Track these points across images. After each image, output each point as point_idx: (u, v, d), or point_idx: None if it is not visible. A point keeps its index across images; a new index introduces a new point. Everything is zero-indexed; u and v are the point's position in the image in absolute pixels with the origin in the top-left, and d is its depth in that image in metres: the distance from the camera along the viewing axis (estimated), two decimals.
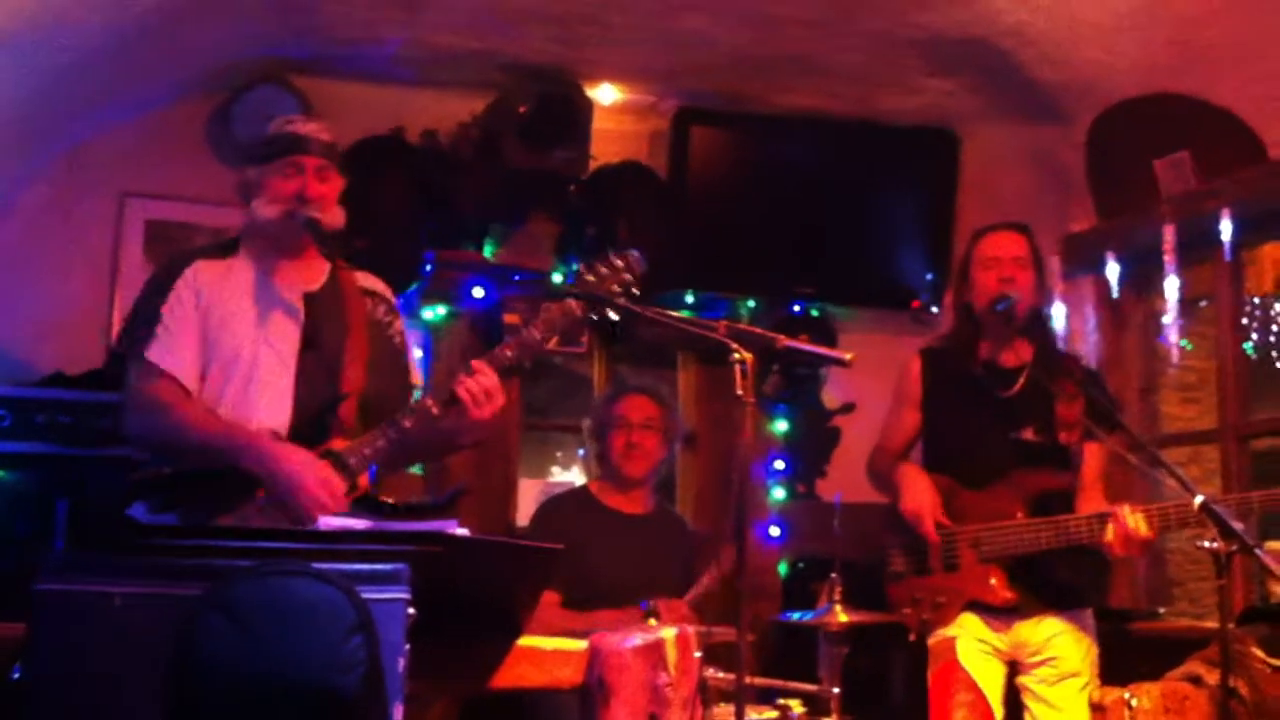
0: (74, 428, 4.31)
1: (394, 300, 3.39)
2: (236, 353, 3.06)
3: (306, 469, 2.89)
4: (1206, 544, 3.10)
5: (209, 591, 2.08)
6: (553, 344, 5.25)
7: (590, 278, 3.06)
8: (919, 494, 3.85)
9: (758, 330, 2.83)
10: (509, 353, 3.03)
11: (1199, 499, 3.07)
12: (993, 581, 3.74)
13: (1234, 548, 3.02)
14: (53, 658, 2.19)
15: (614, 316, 3.04)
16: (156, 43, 4.44)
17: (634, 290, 3.07)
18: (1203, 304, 4.93)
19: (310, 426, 3.01)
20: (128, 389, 3.10)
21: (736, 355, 2.69)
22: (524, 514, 5.22)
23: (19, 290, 4.84)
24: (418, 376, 3.43)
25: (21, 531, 4.12)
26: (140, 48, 4.39)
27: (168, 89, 4.94)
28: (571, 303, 3.04)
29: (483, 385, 2.96)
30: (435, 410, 2.98)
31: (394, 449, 3.01)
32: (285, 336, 3.10)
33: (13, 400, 4.30)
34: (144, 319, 3.10)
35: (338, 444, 2.98)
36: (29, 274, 4.88)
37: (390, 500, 3.06)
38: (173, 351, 3.05)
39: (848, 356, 2.95)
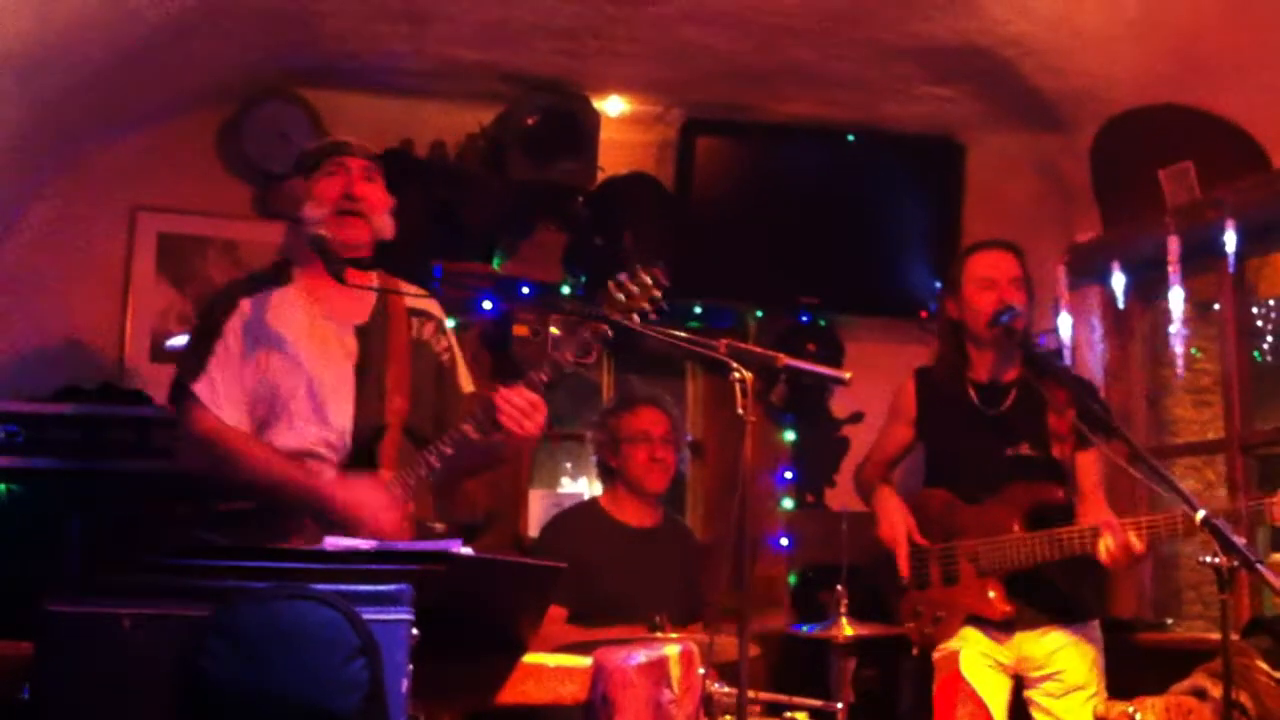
0: (86, 442, 4.30)
1: (443, 317, 3.45)
2: (294, 390, 3.11)
3: (365, 500, 2.98)
4: (1209, 559, 3.11)
5: (212, 615, 2.10)
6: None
7: (620, 295, 3.11)
8: (893, 521, 3.91)
9: (757, 349, 2.85)
10: (544, 376, 3.11)
11: (1200, 514, 3.05)
12: (991, 595, 3.76)
13: (1235, 563, 3.03)
14: (61, 679, 2.21)
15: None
16: (162, 59, 4.45)
17: (662, 305, 3.13)
18: (1216, 306, 4.93)
19: (361, 458, 3.09)
20: (180, 424, 3.16)
21: (736, 374, 2.72)
22: (534, 525, 5.23)
23: (31, 305, 4.87)
24: (470, 386, 3.49)
25: (34, 547, 4.11)
26: (145, 64, 4.41)
27: (175, 103, 4.96)
28: (604, 326, 3.09)
29: (525, 401, 3.05)
30: (475, 436, 3.08)
31: (438, 473, 3.09)
32: (340, 372, 3.16)
33: (25, 415, 4.29)
34: (195, 353, 3.15)
35: (385, 475, 3.06)
36: (40, 288, 4.90)
37: (438, 525, 3.15)
38: (221, 389, 3.10)
39: (846, 376, 2.96)
